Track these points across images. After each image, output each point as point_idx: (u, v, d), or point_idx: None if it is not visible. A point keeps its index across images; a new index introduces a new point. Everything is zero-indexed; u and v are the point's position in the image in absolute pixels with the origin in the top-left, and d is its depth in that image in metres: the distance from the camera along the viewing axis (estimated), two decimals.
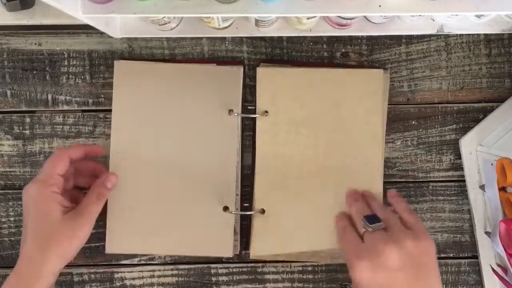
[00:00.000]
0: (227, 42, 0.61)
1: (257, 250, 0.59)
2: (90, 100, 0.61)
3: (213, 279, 0.62)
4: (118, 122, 0.60)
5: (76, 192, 0.58)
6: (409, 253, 0.48)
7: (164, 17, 0.53)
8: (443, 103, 0.62)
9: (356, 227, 0.54)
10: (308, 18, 0.54)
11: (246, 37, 0.61)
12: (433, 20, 0.58)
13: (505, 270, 0.58)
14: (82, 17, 0.46)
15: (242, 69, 0.60)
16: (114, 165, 0.59)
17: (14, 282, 0.51)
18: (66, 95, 0.61)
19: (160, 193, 0.59)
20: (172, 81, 0.60)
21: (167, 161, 0.60)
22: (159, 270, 0.62)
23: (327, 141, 0.59)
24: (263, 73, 0.59)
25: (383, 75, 0.60)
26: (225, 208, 0.59)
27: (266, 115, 0.59)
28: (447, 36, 0.61)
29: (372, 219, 0.51)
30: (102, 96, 0.61)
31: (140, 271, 0.62)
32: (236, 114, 0.59)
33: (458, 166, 0.62)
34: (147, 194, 0.59)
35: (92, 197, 0.55)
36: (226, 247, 0.59)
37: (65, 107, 0.62)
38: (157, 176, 0.59)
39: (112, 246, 0.59)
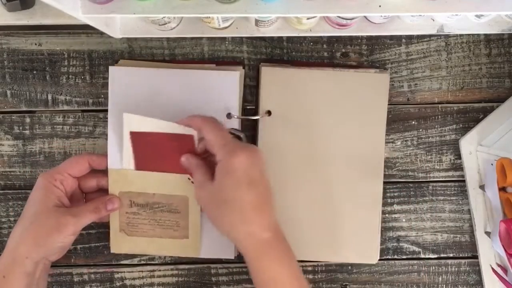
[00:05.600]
0: (227, 42, 0.61)
1: None
2: (90, 100, 0.61)
3: (213, 279, 0.62)
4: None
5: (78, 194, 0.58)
6: None
7: (164, 17, 0.53)
8: (443, 103, 0.62)
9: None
10: (308, 18, 0.54)
11: (246, 37, 0.61)
12: (433, 20, 0.58)
13: (505, 270, 0.59)
14: (82, 17, 0.46)
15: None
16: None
17: None
18: (66, 95, 0.61)
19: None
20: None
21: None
22: (159, 270, 0.62)
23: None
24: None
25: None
26: None
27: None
28: (447, 36, 0.61)
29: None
30: (102, 96, 0.61)
31: (140, 271, 0.62)
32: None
33: (458, 166, 0.62)
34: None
35: (90, 206, 0.54)
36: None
37: (65, 107, 0.62)
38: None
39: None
